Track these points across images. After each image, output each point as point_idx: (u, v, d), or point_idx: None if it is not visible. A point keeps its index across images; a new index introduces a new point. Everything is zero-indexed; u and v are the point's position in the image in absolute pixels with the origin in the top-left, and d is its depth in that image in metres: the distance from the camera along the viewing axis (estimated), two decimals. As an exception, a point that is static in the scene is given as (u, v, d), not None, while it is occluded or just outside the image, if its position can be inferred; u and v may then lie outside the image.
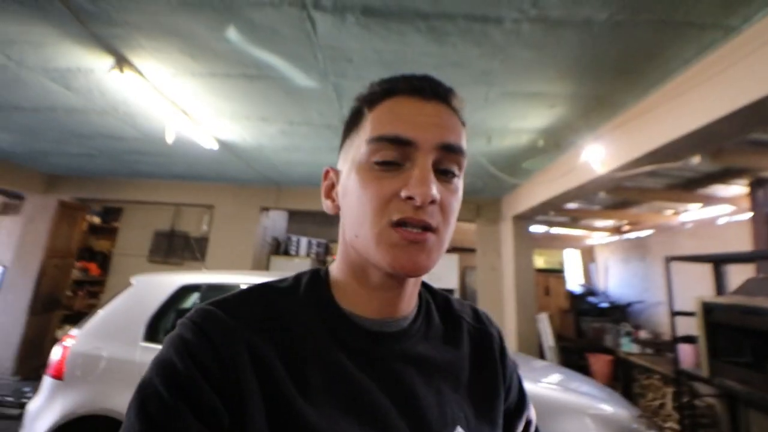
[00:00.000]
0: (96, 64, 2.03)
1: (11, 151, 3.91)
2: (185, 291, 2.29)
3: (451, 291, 5.80)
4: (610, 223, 5.04)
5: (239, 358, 0.39)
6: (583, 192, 3.01)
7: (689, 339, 3.02)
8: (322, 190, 0.51)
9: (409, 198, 0.40)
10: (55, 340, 2.41)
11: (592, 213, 4.50)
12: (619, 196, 3.46)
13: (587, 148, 2.60)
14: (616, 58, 1.81)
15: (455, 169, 0.44)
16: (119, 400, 1.97)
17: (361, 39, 1.73)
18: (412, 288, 0.48)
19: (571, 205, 4.43)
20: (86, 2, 1.54)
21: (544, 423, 2.07)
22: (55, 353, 2.17)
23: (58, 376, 2.08)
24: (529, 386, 2.38)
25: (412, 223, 0.40)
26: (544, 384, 2.46)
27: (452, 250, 6.30)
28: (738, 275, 2.97)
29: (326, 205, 0.50)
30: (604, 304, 5.03)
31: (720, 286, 3.16)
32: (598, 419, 2.18)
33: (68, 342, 2.20)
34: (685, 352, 3.17)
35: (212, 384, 0.37)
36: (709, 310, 2.82)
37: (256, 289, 0.46)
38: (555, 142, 2.82)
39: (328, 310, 0.46)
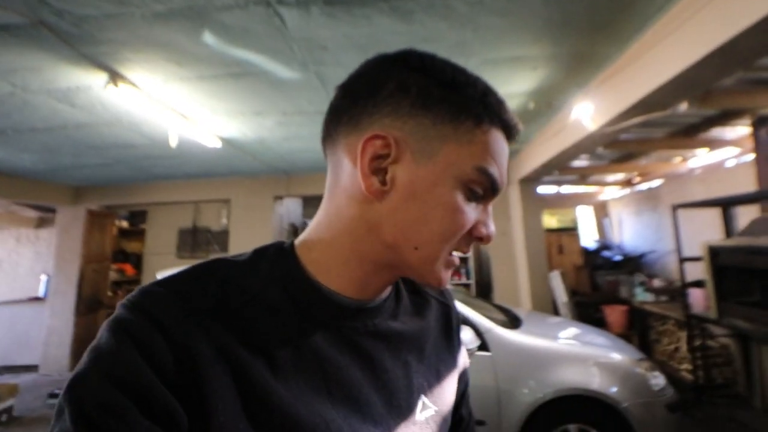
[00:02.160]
0: (93, 81, 2.17)
1: (36, 169, 4.19)
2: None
3: (465, 259, 5.89)
4: (620, 176, 4.95)
5: (195, 343, 0.35)
6: (580, 150, 2.99)
7: (698, 284, 3.04)
8: (367, 160, 0.40)
9: (480, 238, 0.43)
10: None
11: (600, 168, 4.44)
12: (620, 149, 3.41)
13: (577, 105, 2.58)
14: (586, 14, 1.80)
15: None
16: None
17: (330, 27, 1.79)
18: None
19: (579, 163, 4.38)
20: (70, 26, 1.66)
21: (554, 372, 2.23)
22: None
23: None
24: (541, 341, 2.49)
25: (461, 251, 0.44)
26: (556, 338, 2.58)
27: (464, 218, 6.33)
28: (748, 217, 2.93)
29: (369, 182, 0.40)
30: (618, 257, 5.02)
31: (729, 229, 3.13)
32: (602, 366, 2.29)
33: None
34: (695, 296, 3.19)
35: (164, 376, 0.33)
36: (714, 253, 2.82)
37: (208, 265, 0.42)
38: (546, 102, 2.81)
39: (297, 284, 0.43)
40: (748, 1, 1.37)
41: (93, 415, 0.30)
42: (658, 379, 2.28)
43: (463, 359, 0.59)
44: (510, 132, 0.44)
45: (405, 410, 0.44)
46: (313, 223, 0.46)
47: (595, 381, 2.23)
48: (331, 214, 0.44)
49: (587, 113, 2.52)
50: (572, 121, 2.69)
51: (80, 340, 4.95)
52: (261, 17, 1.68)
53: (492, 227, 0.44)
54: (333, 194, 0.45)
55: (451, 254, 0.42)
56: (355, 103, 0.42)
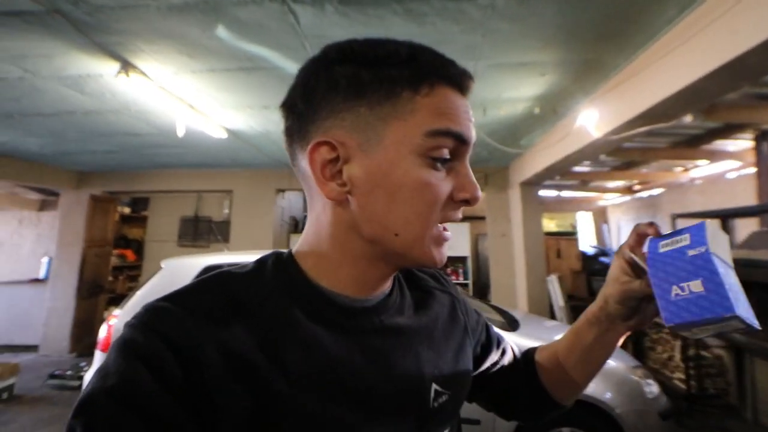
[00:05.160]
0: (104, 69, 2.19)
1: (42, 153, 4.21)
2: (208, 271, 2.53)
3: (464, 258, 5.93)
4: (621, 183, 4.98)
5: (205, 357, 0.35)
6: (583, 156, 3.02)
7: (694, 294, 3.07)
8: (318, 169, 0.41)
9: (465, 201, 0.42)
10: (102, 320, 2.73)
11: (601, 174, 4.47)
12: (622, 157, 3.43)
13: (583, 112, 2.60)
14: (597, 23, 1.81)
15: None
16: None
17: (343, 26, 1.80)
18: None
19: (580, 168, 4.40)
20: (85, 15, 1.67)
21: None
22: (102, 331, 2.48)
23: (106, 350, 2.39)
24: (537, 344, 2.55)
25: (451, 221, 0.43)
26: (552, 341, 2.62)
27: (464, 219, 6.39)
28: (747, 229, 2.96)
29: (328, 189, 0.41)
30: (617, 264, 5.03)
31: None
32: (596, 372, 2.32)
33: (112, 321, 2.50)
34: (691, 307, 3.22)
35: (175, 393, 0.33)
36: (712, 265, 2.85)
37: (213, 278, 0.42)
38: (552, 108, 2.82)
39: (302, 289, 0.43)
40: (756, 21, 1.39)
41: None
42: (651, 387, 2.30)
43: (475, 325, 0.62)
44: (457, 81, 0.42)
45: (418, 400, 0.45)
46: (303, 234, 0.48)
47: (590, 386, 2.26)
48: (314, 224, 0.45)
49: (592, 121, 2.54)
50: (577, 127, 2.71)
51: (80, 323, 5.00)
52: (275, 13, 1.70)
53: (475, 186, 0.42)
54: (311, 205, 0.46)
55: (438, 229, 0.42)
56: (299, 117, 0.43)
